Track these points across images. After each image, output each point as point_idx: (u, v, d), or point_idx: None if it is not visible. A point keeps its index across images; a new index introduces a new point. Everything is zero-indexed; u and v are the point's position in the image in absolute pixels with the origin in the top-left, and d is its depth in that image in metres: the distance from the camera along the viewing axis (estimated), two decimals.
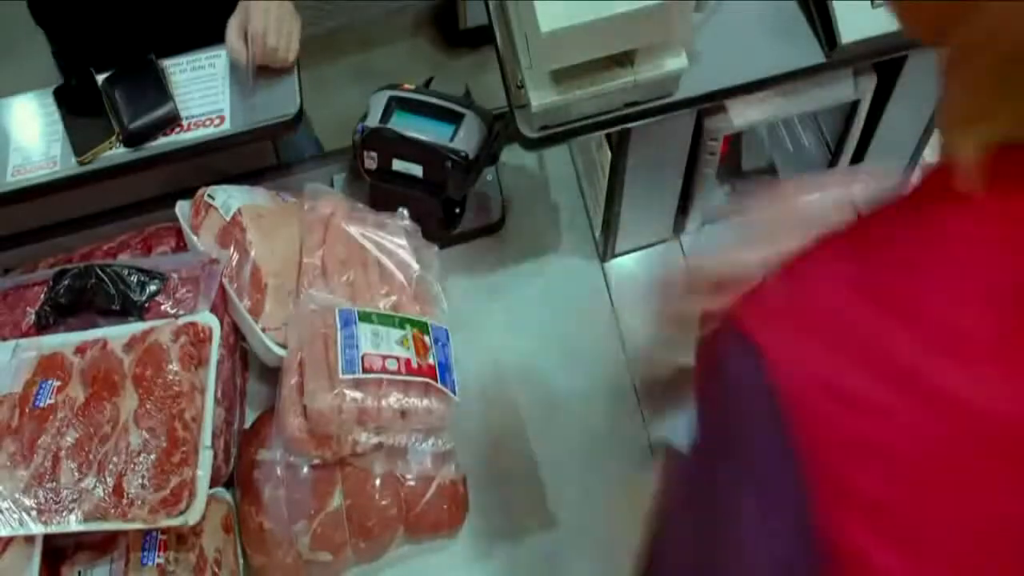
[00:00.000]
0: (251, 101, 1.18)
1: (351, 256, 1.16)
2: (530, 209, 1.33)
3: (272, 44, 1.15)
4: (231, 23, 1.17)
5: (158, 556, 1.01)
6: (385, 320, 1.11)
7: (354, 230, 1.18)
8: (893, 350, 0.45)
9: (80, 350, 1.05)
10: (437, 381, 1.07)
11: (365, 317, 1.10)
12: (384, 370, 1.04)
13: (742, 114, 1.09)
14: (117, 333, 1.06)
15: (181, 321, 1.05)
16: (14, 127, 1.20)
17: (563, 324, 1.25)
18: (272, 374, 1.12)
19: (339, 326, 1.06)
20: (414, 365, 1.07)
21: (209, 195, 1.18)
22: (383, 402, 1.03)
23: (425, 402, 1.06)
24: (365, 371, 1.03)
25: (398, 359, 1.07)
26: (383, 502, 1.06)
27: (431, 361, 1.09)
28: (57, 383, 1.02)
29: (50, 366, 1.04)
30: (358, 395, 1.02)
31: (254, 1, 1.15)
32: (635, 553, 0.58)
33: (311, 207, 1.18)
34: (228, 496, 1.10)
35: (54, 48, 1.42)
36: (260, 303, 1.10)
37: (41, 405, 1.01)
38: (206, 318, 1.06)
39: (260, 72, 1.17)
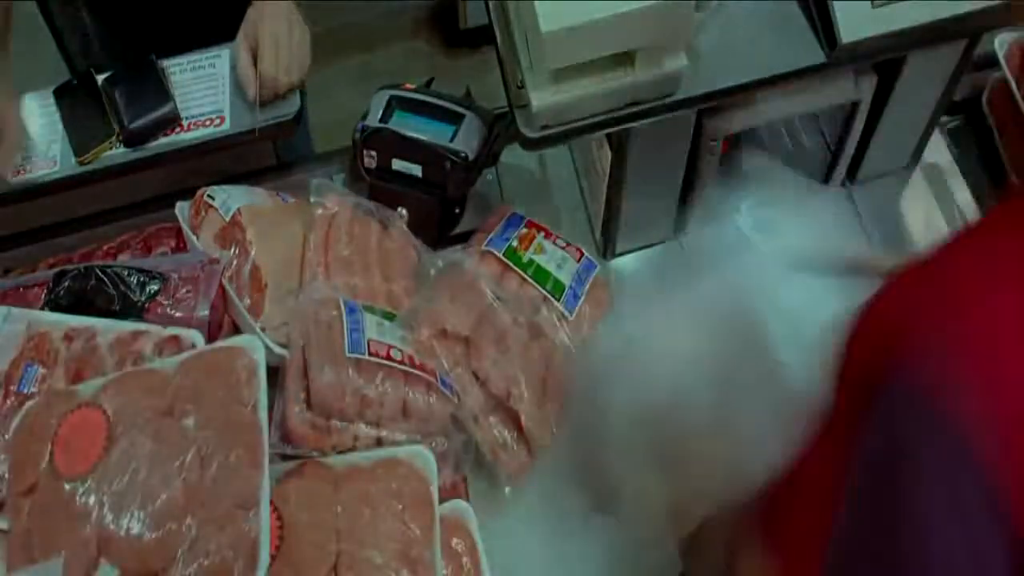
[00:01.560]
0: (251, 101, 1.18)
1: (354, 254, 1.16)
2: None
3: (285, 83, 1.14)
4: (241, 49, 1.15)
5: None
6: (389, 316, 1.11)
7: (359, 230, 1.19)
8: None
9: (68, 337, 1.05)
10: (438, 381, 1.07)
11: (369, 309, 1.10)
12: (389, 358, 1.04)
13: (742, 114, 1.09)
14: (108, 326, 1.06)
15: (166, 333, 1.05)
16: None
17: None
18: (272, 374, 1.11)
19: (344, 312, 1.07)
20: (417, 362, 1.07)
21: (209, 195, 1.18)
22: (386, 388, 1.03)
23: (426, 400, 1.05)
24: (371, 354, 1.03)
25: (402, 351, 1.07)
26: None
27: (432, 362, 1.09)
28: (42, 370, 1.03)
29: (37, 349, 1.04)
30: (361, 380, 1.02)
31: (263, 29, 1.13)
32: None
33: (316, 203, 1.18)
34: None
35: (63, 47, 1.42)
36: (260, 303, 1.10)
37: (25, 391, 1.02)
38: (190, 334, 1.05)
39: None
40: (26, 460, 0.94)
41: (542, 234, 1.23)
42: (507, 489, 1.13)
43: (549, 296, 1.17)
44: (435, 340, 1.10)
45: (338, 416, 1.03)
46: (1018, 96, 1.26)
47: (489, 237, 1.21)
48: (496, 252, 1.19)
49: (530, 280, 1.17)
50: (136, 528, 0.87)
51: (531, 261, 1.19)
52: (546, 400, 1.13)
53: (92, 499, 0.89)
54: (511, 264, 1.19)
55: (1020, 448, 0.50)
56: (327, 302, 1.08)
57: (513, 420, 1.11)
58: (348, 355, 1.02)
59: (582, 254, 1.23)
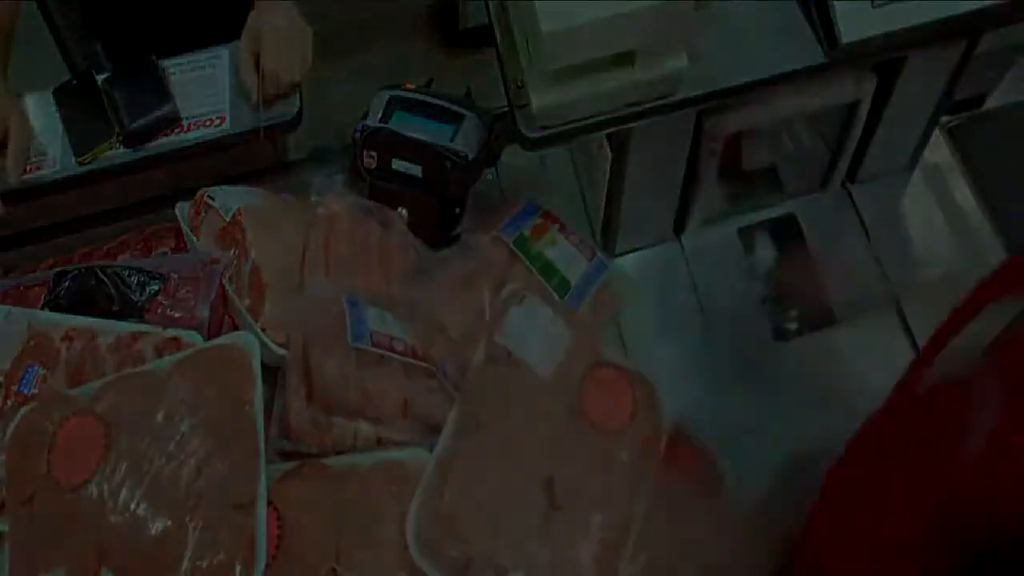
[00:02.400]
0: (251, 102, 1.18)
1: (354, 254, 1.16)
2: None
3: (287, 80, 1.14)
4: (242, 52, 1.15)
5: None
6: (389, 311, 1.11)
7: (359, 230, 1.18)
8: None
9: (69, 338, 1.05)
10: (439, 372, 1.07)
11: (371, 303, 1.10)
12: (392, 349, 1.04)
13: (742, 114, 1.09)
14: (108, 327, 1.05)
15: (166, 334, 1.05)
16: None
17: None
18: (272, 374, 1.11)
19: (347, 305, 1.06)
20: (419, 353, 1.07)
21: (209, 196, 1.18)
22: (387, 381, 1.03)
23: (427, 395, 1.05)
24: (374, 344, 1.03)
25: (405, 342, 1.07)
26: None
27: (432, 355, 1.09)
28: (42, 371, 1.03)
29: (37, 349, 1.04)
30: (364, 372, 1.02)
31: (265, 26, 1.14)
32: None
33: (316, 203, 1.18)
34: None
35: (63, 47, 1.42)
36: (260, 303, 1.10)
37: (26, 392, 1.02)
38: (190, 336, 1.05)
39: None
40: (23, 470, 0.93)
41: (556, 227, 1.22)
42: None
43: (552, 293, 1.17)
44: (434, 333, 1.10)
45: (340, 408, 1.03)
46: None
47: (503, 223, 1.21)
48: (507, 239, 1.18)
49: (536, 274, 1.17)
50: (135, 534, 0.87)
51: (540, 254, 1.18)
52: None
53: (91, 508, 0.88)
54: (520, 254, 1.18)
55: None
56: (327, 300, 1.08)
57: None
58: (351, 344, 1.02)
59: (594, 254, 1.22)
